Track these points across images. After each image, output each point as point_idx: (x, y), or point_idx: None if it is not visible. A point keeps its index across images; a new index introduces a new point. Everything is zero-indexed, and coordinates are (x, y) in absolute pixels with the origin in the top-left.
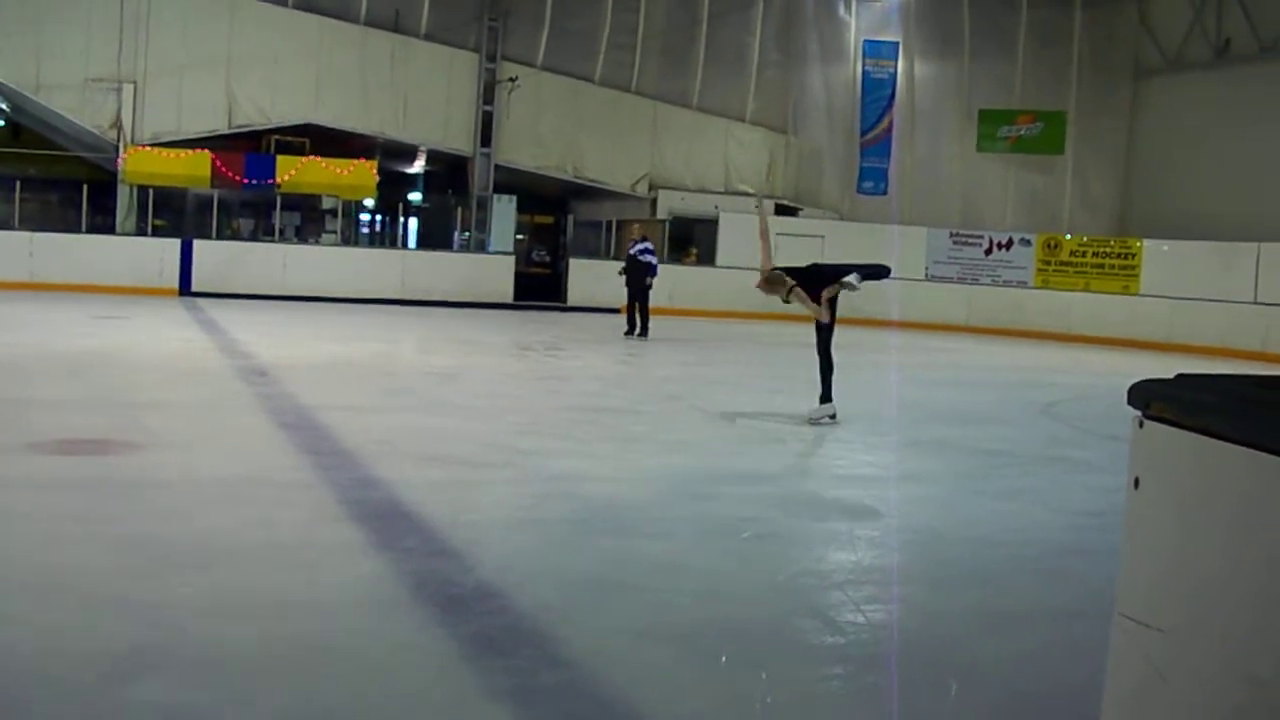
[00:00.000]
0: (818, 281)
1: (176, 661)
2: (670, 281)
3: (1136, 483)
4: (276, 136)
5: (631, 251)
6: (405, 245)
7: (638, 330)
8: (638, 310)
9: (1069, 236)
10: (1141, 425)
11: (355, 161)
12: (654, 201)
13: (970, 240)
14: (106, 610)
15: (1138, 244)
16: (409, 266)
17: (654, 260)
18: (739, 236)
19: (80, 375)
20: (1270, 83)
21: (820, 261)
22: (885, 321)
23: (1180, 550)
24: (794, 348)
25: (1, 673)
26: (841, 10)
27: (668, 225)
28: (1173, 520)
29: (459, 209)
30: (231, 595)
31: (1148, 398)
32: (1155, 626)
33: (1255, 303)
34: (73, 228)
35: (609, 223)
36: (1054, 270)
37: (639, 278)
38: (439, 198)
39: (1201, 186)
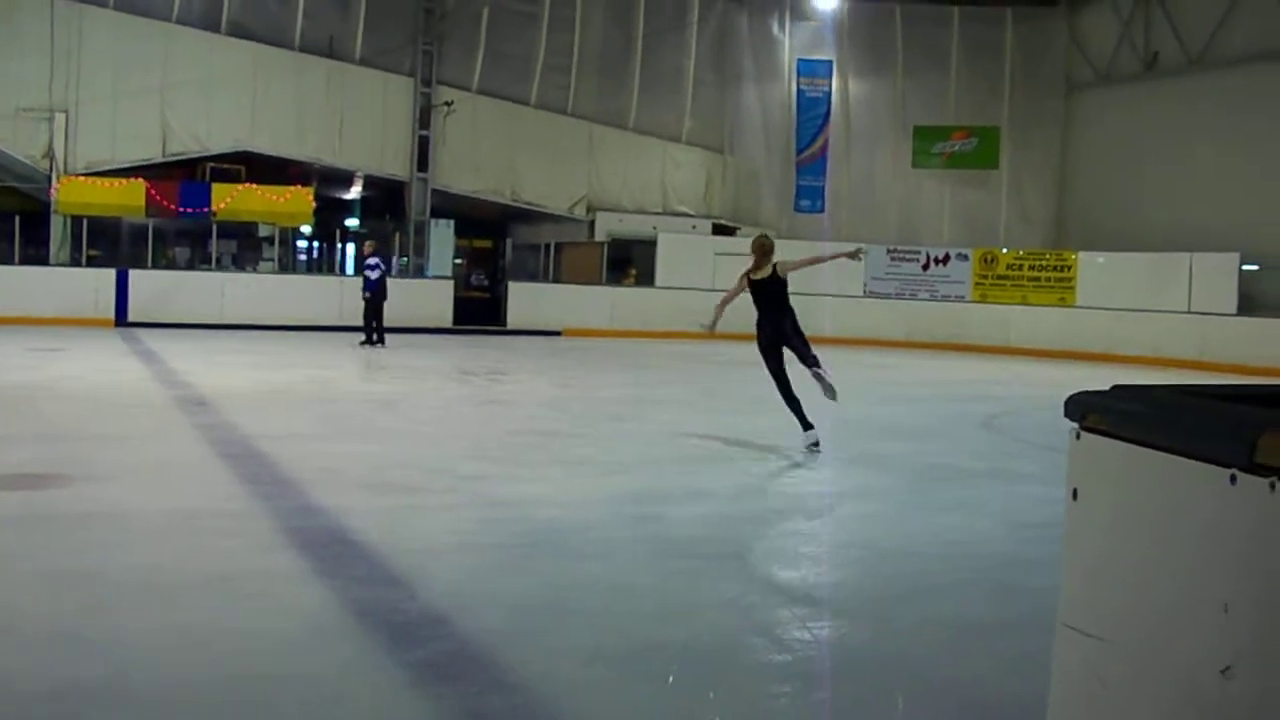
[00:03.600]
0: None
1: (122, 698)
2: (611, 303)
3: (1075, 494)
4: (212, 164)
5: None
6: (343, 271)
7: (374, 339)
8: (374, 321)
9: (1005, 250)
10: (1079, 437)
11: (292, 188)
12: (592, 223)
13: (908, 256)
14: (49, 648)
15: (1073, 256)
16: (347, 292)
17: (375, 276)
18: (677, 257)
19: (15, 409)
20: (1198, 95)
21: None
22: (824, 338)
23: (1117, 559)
24: (735, 366)
25: None
26: (775, 29)
27: (606, 247)
28: (1110, 529)
29: (397, 234)
30: (176, 628)
31: (1084, 410)
32: (1096, 635)
33: (1190, 312)
34: (5, 259)
35: (548, 245)
36: (991, 284)
37: (371, 293)
38: (376, 223)
39: (1134, 198)
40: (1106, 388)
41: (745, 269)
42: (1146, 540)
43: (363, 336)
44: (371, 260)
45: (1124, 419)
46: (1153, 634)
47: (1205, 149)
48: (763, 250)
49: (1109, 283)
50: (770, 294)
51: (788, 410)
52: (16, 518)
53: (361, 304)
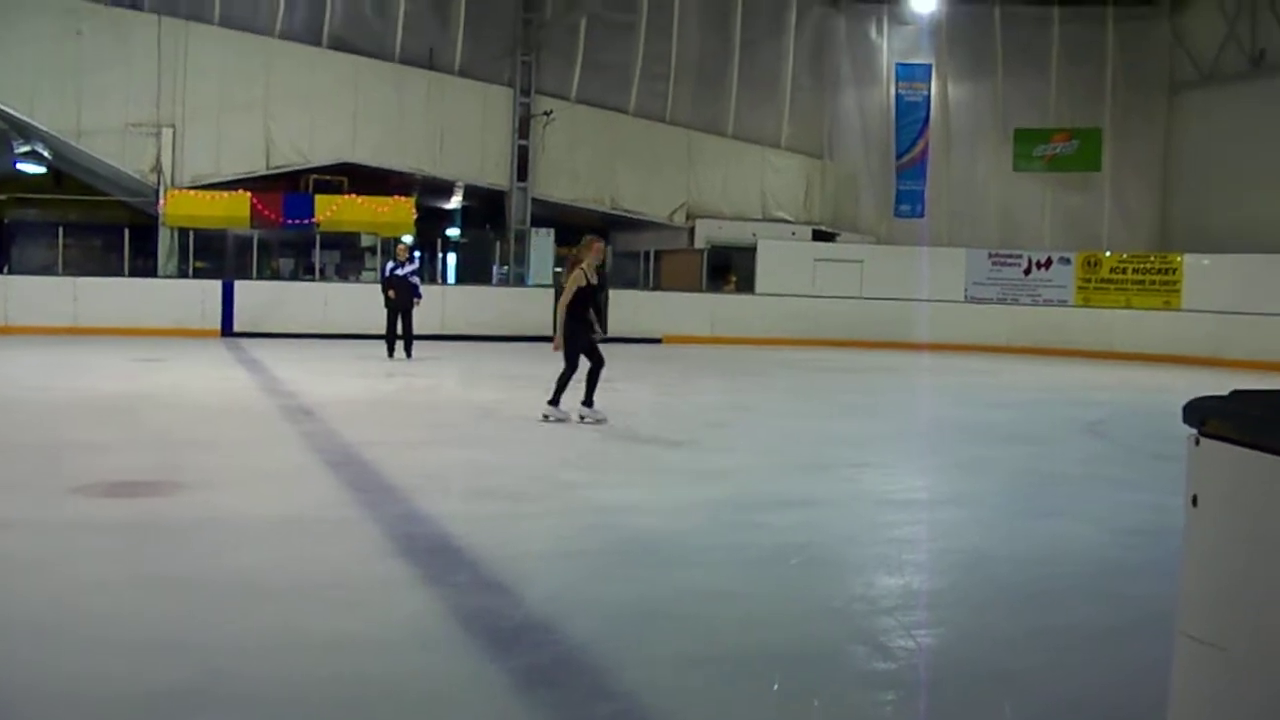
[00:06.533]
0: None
1: (224, 702)
2: (710, 309)
3: (1195, 500)
4: (315, 176)
5: (400, 273)
6: (445, 280)
7: (400, 352)
8: (401, 331)
9: (1108, 254)
10: (1198, 443)
11: (393, 199)
12: (692, 230)
13: (1009, 260)
14: (153, 652)
15: (1178, 259)
16: (449, 301)
17: (419, 283)
18: (778, 263)
19: (125, 417)
20: None
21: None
22: (924, 344)
23: (1241, 567)
24: (834, 373)
25: (47, 716)
26: (873, 34)
27: (706, 254)
28: (1233, 537)
29: (497, 243)
30: (279, 634)
31: (1203, 415)
32: (1217, 645)
33: None
34: (115, 271)
35: (647, 253)
36: (1094, 288)
37: (407, 299)
38: (477, 232)
39: (1241, 198)
40: (1219, 393)
41: (582, 268)
42: (1271, 548)
43: (388, 349)
44: (415, 267)
45: (1248, 425)
46: (1277, 645)
47: None
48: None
49: (1215, 285)
50: (593, 299)
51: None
52: (121, 524)
53: (387, 312)
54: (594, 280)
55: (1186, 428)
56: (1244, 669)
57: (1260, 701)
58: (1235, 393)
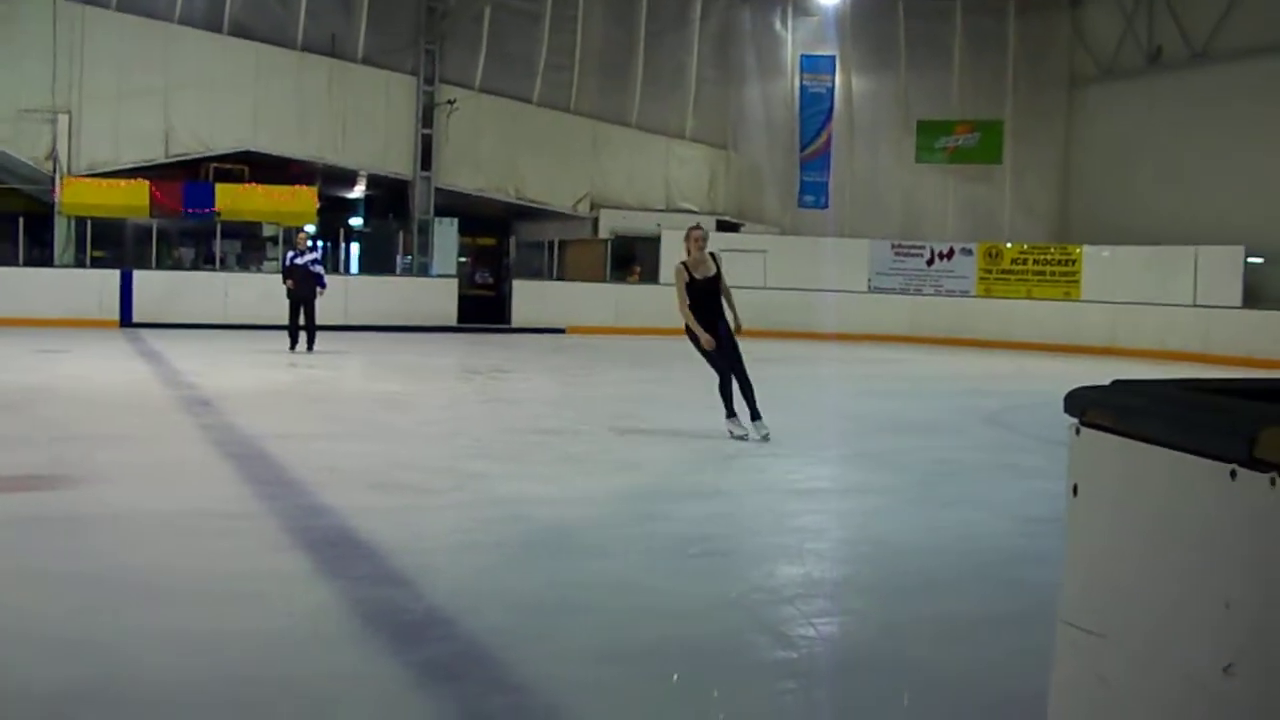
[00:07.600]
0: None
1: (119, 700)
2: (615, 300)
3: (1075, 489)
4: (215, 164)
5: (300, 262)
6: (347, 270)
7: (302, 344)
8: (304, 322)
9: (1009, 245)
10: (1078, 432)
11: (295, 188)
12: (596, 221)
13: (912, 251)
14: (45, 650)
15: (1077, 250)
16: (352, 291)
17: (323, 271)
18: (681, 254)
19: (20, 410)
20: (1201, 88)
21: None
22: (828, 334)
23: (1117, 555)
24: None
25: None
26: (778, 25)
27: (610, 244)
28: (1109, 526)
29: (400, 233)
30: (177, 630)
31: (1083, 405)
32: (1097, 632)
33: (1195, 305)
34: (9, 261)
35: (552, 243)
36: (995, 279)
37: (309, 289)
38: (380, 222)
39: (1139, 192)
40: (1108, 382)
41: (684, 263)
42: (1147, 536)
43: (290, 341)
44: (317, 256)
45: (1123, 414)
46: (1153, 631)
47: (1210, 142)
48: (704, 241)
49: (1113, 276)
50: (716, 292)
51: (743, 407)
52: (17, 519)
53: (288, 303)
54: (700, 274)
55: (1068, 417)
56: (1121, 655)
57: (1136, 687)
58: (1115, 382)
